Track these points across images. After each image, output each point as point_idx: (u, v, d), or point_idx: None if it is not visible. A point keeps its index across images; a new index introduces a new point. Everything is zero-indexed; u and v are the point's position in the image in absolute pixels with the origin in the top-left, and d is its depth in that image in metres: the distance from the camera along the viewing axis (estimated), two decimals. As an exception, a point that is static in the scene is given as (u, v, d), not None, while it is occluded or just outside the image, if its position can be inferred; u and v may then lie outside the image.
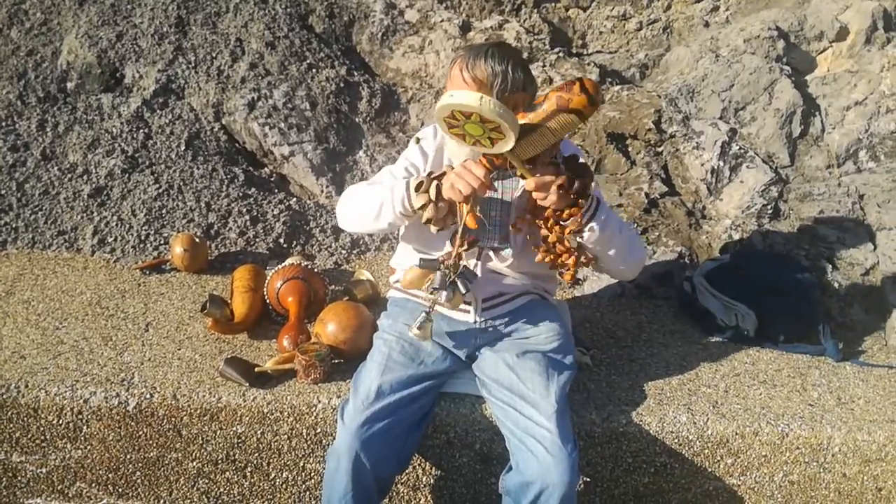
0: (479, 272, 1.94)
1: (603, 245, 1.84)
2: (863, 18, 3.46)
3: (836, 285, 2.72)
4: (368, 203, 1.87)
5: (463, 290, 1.78)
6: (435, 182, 1.76)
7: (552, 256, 1.83)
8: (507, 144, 1.64)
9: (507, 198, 1.92)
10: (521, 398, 1.78)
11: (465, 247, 1.80)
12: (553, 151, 1.77)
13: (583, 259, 1.84)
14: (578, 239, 1.83)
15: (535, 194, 1.73)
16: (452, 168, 1.79)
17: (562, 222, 1.79)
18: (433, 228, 1.80)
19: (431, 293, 1.80)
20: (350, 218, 1.97)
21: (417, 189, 1.77)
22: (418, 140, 1.99)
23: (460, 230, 1.77)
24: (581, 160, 1.85)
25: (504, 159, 1.72)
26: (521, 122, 1.64)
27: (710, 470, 1.98)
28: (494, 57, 1.76)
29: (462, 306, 1.94)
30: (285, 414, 1.91)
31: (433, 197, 1.75)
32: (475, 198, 1.72)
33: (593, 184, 1.84)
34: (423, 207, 1.76)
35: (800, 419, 2.02)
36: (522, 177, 1.75)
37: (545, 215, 1.80)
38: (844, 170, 3.18)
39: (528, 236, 1.92)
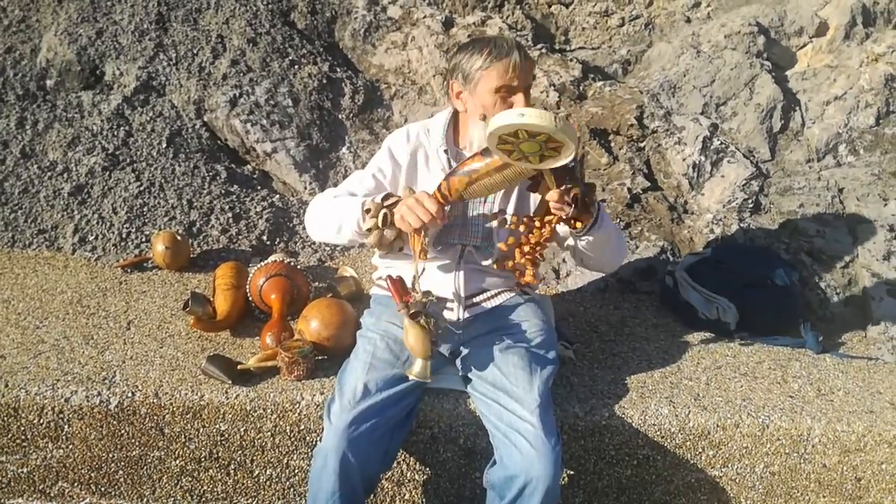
0: (462, 270, 1.95)
1: (597, 247, 1.93)
2: (842, 14, 3.49)
3: (816, 278, 2.74)
4: (330, 218, 1.92)
5: (431, 329, 1.77)
6: (384, 211, 1.79)
7: (524, 258, 1.85)
8: (559, 161, 1.63)
9: (490, 198, 1.93)
10: (504, 393, 1.78)
11: (419, 289, 1.81)
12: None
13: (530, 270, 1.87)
14: (579, 243, 1.90)
15: (553, 205, 1.75)
16: (412, 191, 1.82)
17: (573, 231, 1.84)
18: (377, 251, 1.87)
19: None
20: (315, 230, 2.02)
21: (367, 212, 1.81)
22: (389, 148, 2.01)
23: (414, 263, 1.80)
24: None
25: (458, 195, 1.74)
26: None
27: (692, 462, 2.00)
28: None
29: (448, 304, 1.95)
30: (268, 411, 1.91)
31: (380, 223, 1.79)
32: (426, 231, 1.75)
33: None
34: (369, 230, 1.81)
35: (780, 411, 2.04)
36: (542, 188, 1.76)
37: (547, 220, 1.82)
38: (824, 164, 3.21)
39: (509, 235, 1.93)
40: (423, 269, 1.82)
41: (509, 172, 1.69)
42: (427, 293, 1.82)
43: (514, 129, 1.55)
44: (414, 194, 1.76)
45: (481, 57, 1.84)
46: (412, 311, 1.74)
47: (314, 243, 2.87)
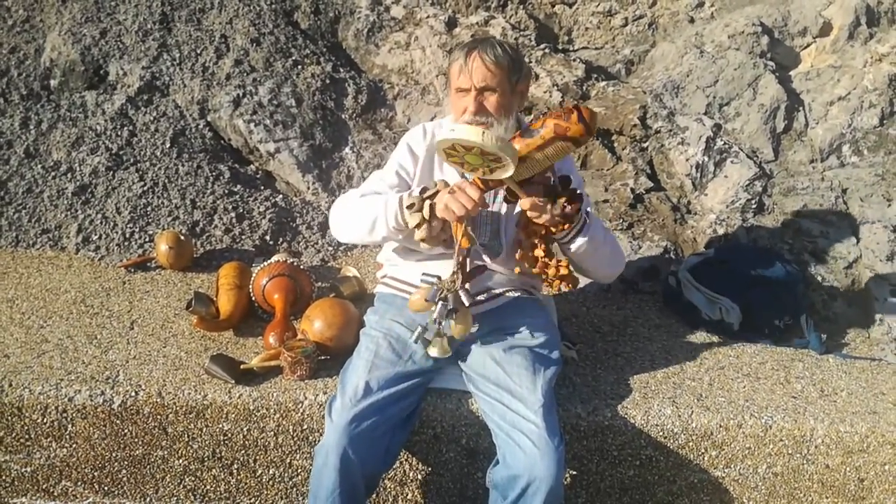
0: (467, 269, 1.95)
1: (588, 256, 1.94)
2: (846, 14, 3.49)
3: (819, 279, 2.74)
4: (362, 217, 1.90)
5: (466, 303, 1.79)
6: (428, 202, 1.77)
7: (541, 268, 1.88)
8: (505, 173, 1.67)
9: (497, 196, 1.94)
10: (508, 393, 1.78)
11: (465, 268, 1.80)
12: (547, 172, 1.79)
13: (559, 272, 1.89)
14: (565, 250, 1.93)
15: (529, 213, 1.78)
16: (445, 183, 1.81)
17: (553, 237, 1.87)
18: (424, 246, 1.84)
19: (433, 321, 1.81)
20: (345, 230, 2.00)
21: (410, 207, 1.79)
22: (408, 144, 2.02)
23: (456, 250, 1.77)
24: (573, 185, 1.86)
25: (498, 180, 1.74)
26: (518, 146, 1.66)
27: (694, 462, 2.00)
28: (503, 46, 1.89)
29: None
30: (271, 411, 1.91)
31: (426, 216, 1.77)
32: (468, 218, 1.74)
33: (585, 198, 1.91)
34: (417, 226, 1.78)
35: (783, 411, 2.03)
36: (516, 198, 1.79)
37: (534, 230, 1.85)
38: (828, 164, 3.20)
39: (518, 235, 1.96)
40: (465, 256, 1.82)
41: (550, 150, 1.68)
42: (458, 286, 1.81)
43: (450, 143, 1.62)
44: (454, 183, 1.76)
45: (450, 59, 1.95)
46: (431, 296, 1.77)
47: (317, 243, 2.87)
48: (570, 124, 1.65)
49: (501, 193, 1.94)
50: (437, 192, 1.79)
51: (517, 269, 1.94)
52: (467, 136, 1.58)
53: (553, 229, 1.84)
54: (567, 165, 2.07)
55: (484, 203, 1.77)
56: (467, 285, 1.81)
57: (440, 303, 1.77)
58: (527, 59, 3.44)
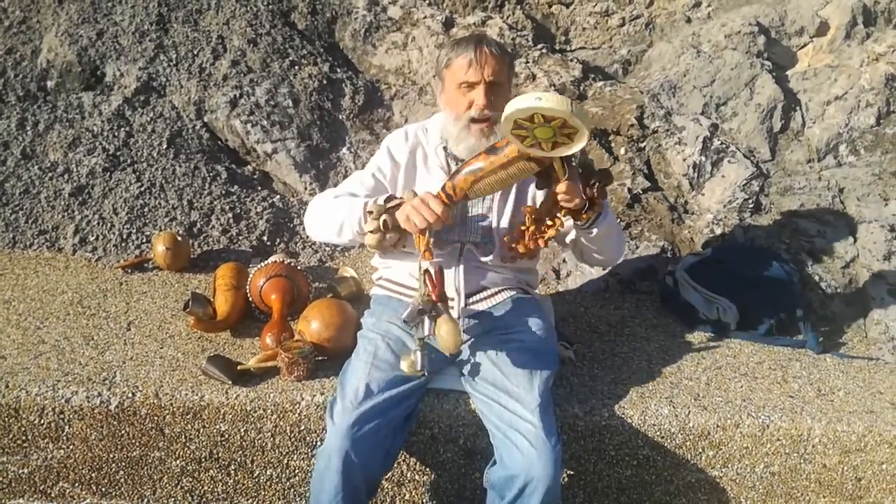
0: (461, 268, 1.95)
1: (601, 241, 1.95)
2: (843, 14, 3.49)
3: (816, 278, 2.74)
4: (331, 218, 1.93)
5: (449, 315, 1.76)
6: (384, 216, 1.79)
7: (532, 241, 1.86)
8: (571, 149, 1.63)
9: (489, 196, 1.94)
10: (505, 393, 1.78)
11: (440, 280, 1.79)
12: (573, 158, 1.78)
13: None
14: (584, 237, 1.92)
15: (561, 196, 1.75)
16: (414, 194, 1.81)
17: (577, 222, 1.86)
18: (373, 250, 1.88)
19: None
20: (315, 230, 2.03)
21: (369, 213, 1.81)
22: (388, 147, 2.02)
23: (419, 263, 1.77)
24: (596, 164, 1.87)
25: (463, 194, 1.74)
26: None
27: (692, 462, 2.00)
28: (498, 41, 1.93)
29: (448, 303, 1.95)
30: (269, 411, 1.91)
31: (381, 227, 1.79)
32: (430, 231, 1.74)
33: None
34: (371, 232, 1.81)
35: (780, 411, 2.04)
36: (552, 180, 1.75)
37: (557, 216, 1.82)
38: (825, 164, 3.20)
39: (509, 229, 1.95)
40: (426, 269, 1.81)
41: (514, 170, 1.69)
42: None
43: (531, 113, 1.54)
44: (419, 195, 1.76)
45: (446, 55, 1.92)
46: (419, 309, 1.74)
47: (314, 244, 2.87)
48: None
49: (497, 194, 1.94)
50: (401, 202, 1.79)
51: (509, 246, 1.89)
52: (556, 106, 1.51)
53: (582, 215, 1.82)
54: None
55: (448, 218, 1.74)
56: (456, 297, 1.80)
57: (424, 319, 1.74)
58: (524, 60, 3.45)
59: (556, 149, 1.63)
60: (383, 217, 1.79)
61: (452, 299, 1.95)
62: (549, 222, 1.81)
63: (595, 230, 1.89)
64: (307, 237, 2.88)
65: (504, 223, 1.98)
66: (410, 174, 1.99)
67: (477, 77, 1.86)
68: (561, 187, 1.73)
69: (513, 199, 1.98)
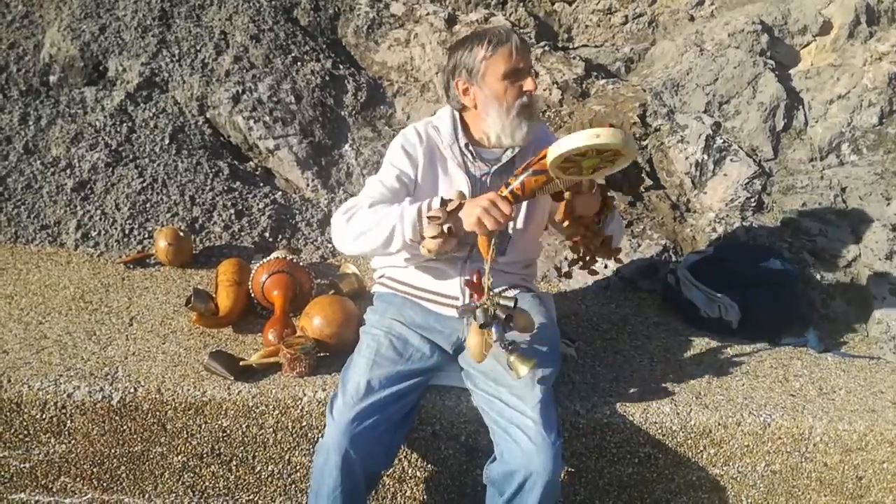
0: (467, 268, 1.95)
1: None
2: (846, 13, 3.48)
3: (818, 277, 2.74)
4: (377, 229, 1.80)
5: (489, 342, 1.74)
6: (451, 218, 1.71)
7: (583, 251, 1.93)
8: (613, 170, 1.65)
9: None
10: (506, 389, 1.78)
11: (491, 280, 1.74)
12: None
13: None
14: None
15: (579, 207, 1.79)
16: (463, 195, 1.76)
17: (592, 224, 1.88)
18: (427, 254, 1.74)
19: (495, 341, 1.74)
20: (355, 244, 1.86)
21: (431, 219, 1.72)
22: (403, 147, 1.95)
23: (488, 266, 1.71)
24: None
25: (531, 191, 1.71)
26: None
27: (693, 460, 2.00)
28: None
29: (449, 301, 1.95)
30: (270, 407, 1.91)
31: (446, 231, 1.70)
32: (496, 233, 1.70)
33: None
34: (433, 238, 1.70)
35: (782, 409, 2.04)
36: (572, 192, 1.78)
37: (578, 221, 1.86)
38: (827, 163, 3.20)
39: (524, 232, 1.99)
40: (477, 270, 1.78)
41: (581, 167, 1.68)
42: (496, 297, 1.73)
43: (586, 150, 1.55)
44: (484, 196, 1.70)
45: (482, 47, 1.85)
46: (482, 323, 1.68)
47: (316, 240, 2.87)
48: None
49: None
50: (461, 204, 1.72)
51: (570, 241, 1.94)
52: (614, 141, 1.51)
53: (595, 217, 1.86)
54: (547, 138, 2.01)
55: (513, 217, 1.74)
56: (461, 297, 1.82)
57: (494, 326, 1.69)
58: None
59: (595, 172, 1.66)
60: (448, 225, 1.70)
61: (457, 298, 1.94)
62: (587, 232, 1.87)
63: (606, 230, 1.92)
64: (309, 233, 2.88)
65: (519, 224, 1.97)
66: (427, 173, 1.93)
67: (524, 64, 1.85)
68: (580, 199, 1.78)
69: (524, 207, 1.98)
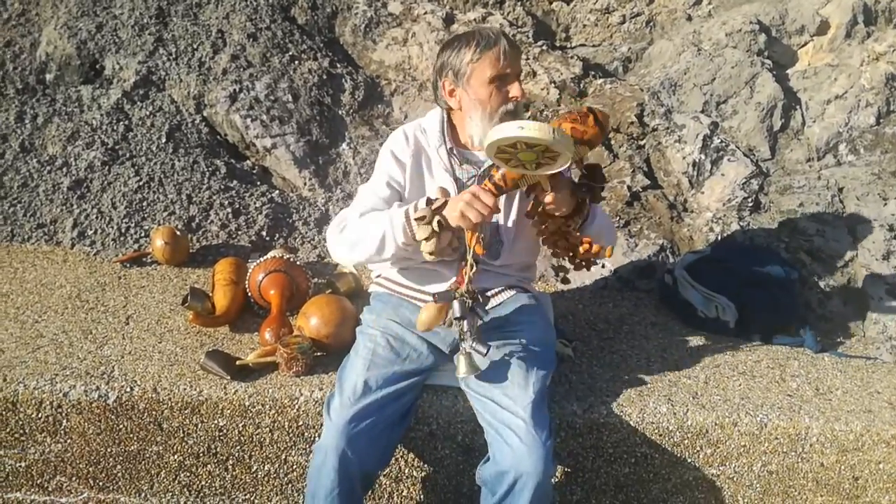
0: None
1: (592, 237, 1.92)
2: (843, 13, 3.49)
3: (815, 277, 2.74)
4: (368, 237, 1.82)
5: (483, 318, 1.79)
6: (437, 215, 1.72)
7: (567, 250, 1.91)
8: (555, 169, 1.64)
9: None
10: (500, 390, 1.78)
11: (474, 270, 1.77)
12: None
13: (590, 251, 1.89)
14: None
15: (549, 207, 1.76)
16: (445, 191, 1.78)
17: (566, 226, 1.86)
18: (429, 257, 1.76)
19: (451, 326, 1.78)
20: (349, 253, 1.90)
21: (419, 220, 1.73)
22: (392, 152, 1.95)
23: (469, 257, 1.74)
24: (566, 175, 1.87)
25: (514, 182, 1.72)
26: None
27: (689, 460, 2.00)
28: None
29: None
30: (267, 407, 1.91)
31: (436, 229, 1.71)
32: (482, 226, 1.71)
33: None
34: (426, 239, 1.72)
35: (778, 410, 2.04)
36: (537, 192, 1.77)
37: (547, 221, 1.85)
38: (824, 163, 3.20)
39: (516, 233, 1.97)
40: (475, 267, 1.78)
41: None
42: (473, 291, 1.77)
43: (513, 142, 1.56)
44: (467, 190, 1.71)
45: (469, 50, 1.83)
46: (457, 316, 1.72)
47: (313, 239, 2.87)
48: (586, 128, 1.68)
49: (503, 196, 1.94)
50: (445, 201, 1.74)
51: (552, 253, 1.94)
52: (539, 135, 1.52)
53: (567, 219, 1.83)
54: None
55: (497, 209, 1.73)
56: (469, 297, 1.81)
57: (464, 316, 1.72)
58: (524, 57, 3.45)
59: (539, 168, 1.65)
60: (436, 219, 1.72)
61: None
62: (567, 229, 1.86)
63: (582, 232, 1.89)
64: (306, 232, 2.88)
65: (510, 223, 1.97)
66: (415, 176, 1.94)
67: (512, 69, 1.83)
68: (548, 199, 1.74)
69: (517, 201, 1.97)
